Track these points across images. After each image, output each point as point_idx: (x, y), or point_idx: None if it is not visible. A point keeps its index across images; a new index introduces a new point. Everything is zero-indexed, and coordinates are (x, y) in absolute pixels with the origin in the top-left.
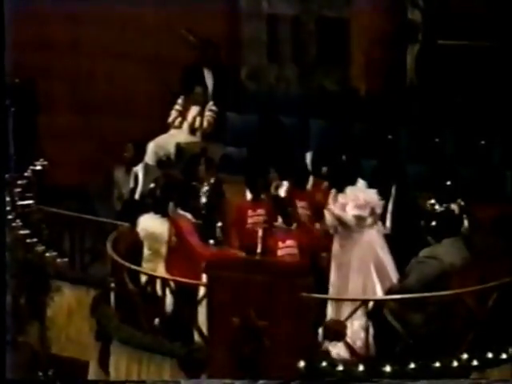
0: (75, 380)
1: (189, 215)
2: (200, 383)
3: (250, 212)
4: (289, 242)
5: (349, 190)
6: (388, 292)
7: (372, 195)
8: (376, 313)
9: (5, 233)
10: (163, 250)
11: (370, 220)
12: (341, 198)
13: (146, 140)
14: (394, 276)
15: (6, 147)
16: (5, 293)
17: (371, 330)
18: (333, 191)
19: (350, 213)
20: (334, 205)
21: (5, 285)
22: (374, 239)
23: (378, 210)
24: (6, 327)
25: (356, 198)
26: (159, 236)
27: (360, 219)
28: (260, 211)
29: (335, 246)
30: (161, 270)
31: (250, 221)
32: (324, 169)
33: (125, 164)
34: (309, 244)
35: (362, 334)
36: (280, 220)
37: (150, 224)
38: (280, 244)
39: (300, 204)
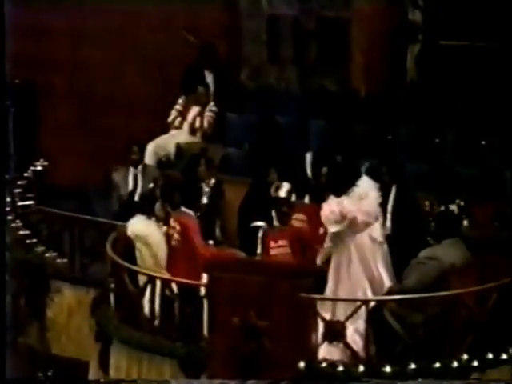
0: (75, 380)
1: (192, 212)
2: (190, 383)
3: None
4: (281, 242)
5: (330, 198)
6: (388, 293)
7: (350, 207)
8: (375, 314)
9: (5, 233)
10: (152, 251)
11: (359, 227)
12: (324, 206)
13: (149, 141)
14: (386, 283)
15: (6, 147)
16: (5, 293)
17: (369, 331)
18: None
19: (331, 230)
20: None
21: (5, 285)
22: (366, 244)
23: (367, 219)
24: (6, 327)
25: (332, 212)
26: (146, 237)
27: (339, 233)
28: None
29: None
30: (155, 271)
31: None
32: (324, 169)
33: (132, 165)
34: (302, 244)
35: (357, 338)
36: (274, 219)
37: (137, 227)
38: (272, 243)
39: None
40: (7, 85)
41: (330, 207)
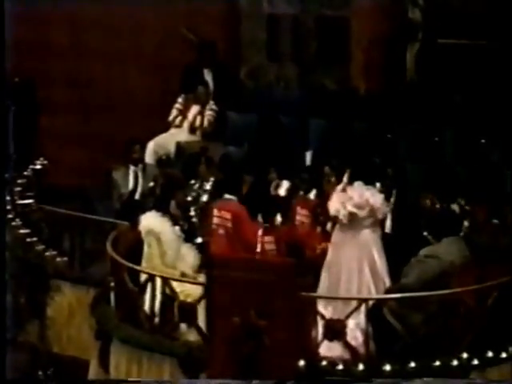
0: (75, 379)
1: (236, 198)
2: (194, 383)
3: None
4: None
5: (357, 184)
6: (387, 291)
7: (377, 199)
8: (375, 312)
9: (5, 232)
10: (162, 249)
11: (368, 222)
12: (349, 190)
13: (149, 139)
14: (387, 280)
15: (6, 147)
16: (5, 292)
17: (369, 329)
18: (343, 183)
19: (348, 209)
20: (337, 196)
21: (5, 284)
22: (370, 241)
23: (379, 215)
24: (6, 326)
25: (361, 195)
26: (159, 234)
27: (354, 218)
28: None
29: (331, 245)
30: (160, 268)
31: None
32: (326, 169)
33: (132, 164)
34: (289, 240)
35: (357, 333)
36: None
37: (152, 222)
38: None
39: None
40: (7, 85)
41: (361, 191)
